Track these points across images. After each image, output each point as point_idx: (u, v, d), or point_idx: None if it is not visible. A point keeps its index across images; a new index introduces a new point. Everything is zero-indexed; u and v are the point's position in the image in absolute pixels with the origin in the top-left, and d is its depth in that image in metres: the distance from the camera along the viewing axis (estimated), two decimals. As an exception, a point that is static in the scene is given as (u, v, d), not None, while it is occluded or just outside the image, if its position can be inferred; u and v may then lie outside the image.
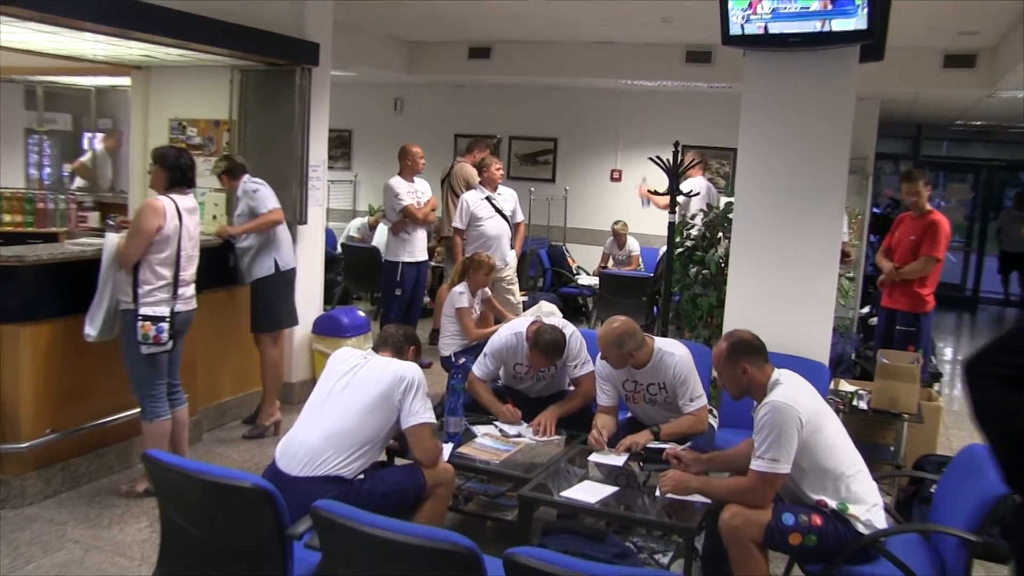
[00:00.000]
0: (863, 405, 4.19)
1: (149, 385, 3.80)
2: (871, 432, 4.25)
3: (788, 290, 4.04)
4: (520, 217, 6.42)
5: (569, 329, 3.96)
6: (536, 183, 9.13)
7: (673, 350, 3.55)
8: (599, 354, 3.61)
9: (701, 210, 5.53)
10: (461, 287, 5.07)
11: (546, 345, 3.80)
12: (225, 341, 4.97)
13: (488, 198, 6.24)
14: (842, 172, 3.90)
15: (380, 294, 7.29)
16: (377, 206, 9.84)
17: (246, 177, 4.78)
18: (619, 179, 9.13)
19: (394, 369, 3.04)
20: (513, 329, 4.04)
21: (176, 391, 3.97)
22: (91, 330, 3.70)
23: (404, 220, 6.16)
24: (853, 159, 4.85)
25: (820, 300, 3.98)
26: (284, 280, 4.88)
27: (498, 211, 6.24)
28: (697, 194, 6.36)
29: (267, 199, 4.70)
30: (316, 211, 5.56)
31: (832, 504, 2.76)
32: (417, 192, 6.29)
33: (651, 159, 4.97)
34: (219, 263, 4.77)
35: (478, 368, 4.04)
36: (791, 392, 2.82)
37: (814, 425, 2.77)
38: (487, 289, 5.33)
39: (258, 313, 4.86)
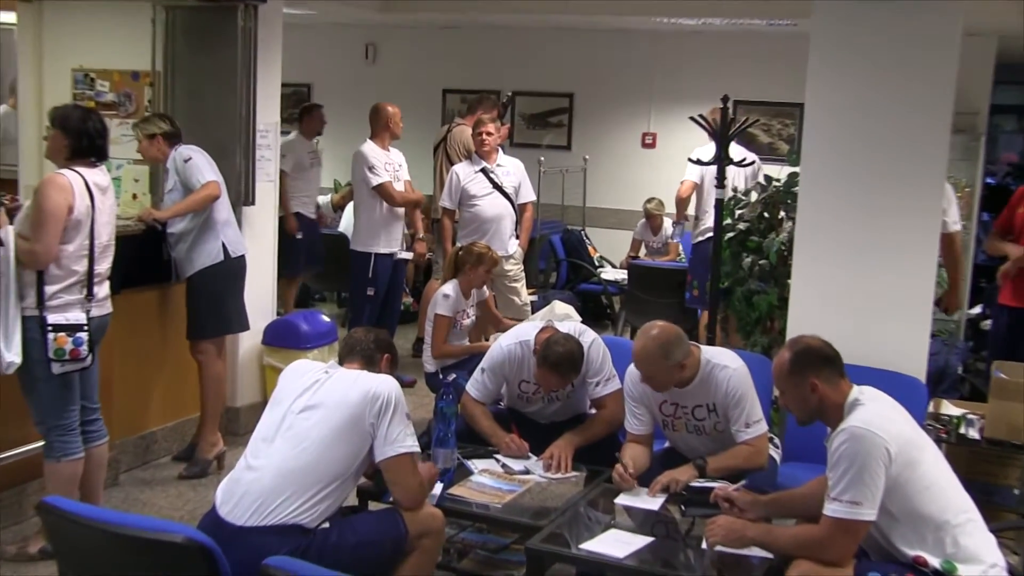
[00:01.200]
0: (974, 433, 4.17)
1: (59, 413, 3.74)
2: (986, 469, 4.24)
3: (871, 285, 4.05)
4: (528, 195, 6.54)
5: (588, 337, 4.01)
6: (547, 151, 9.14)
7: (726, 362, 3.58)
8: (628, 369, 3.66)
9: (758, 183, 5.52)
10: (449, 287, 5.14)
11: (558, 360, 3.82)
12: (150, 355, 4.97)
13: (485, 170, 6.31)
14: (943, 132, 3.92)
15: (348, 293, 7.34)
16: (345, 181, 9.90)
17: (179, 145, 4.82)
18: (653, 145, 9.14)
19: (365, 385, 3.07)
20: (518, 337, 4.08)
21: (94, 421, 3.95)
22: (13, 356, 3.53)
23: (372, 197, 6.21)
24: (959, 115, 4.86)
25: (914, 298, 4.00)
26: (233, 270, 4.89)
27: (497, 187, 6.31)
28: (753, 162, 6.37)
29: (202, 169, 4.71)
30: (266, 188, 5.59)
31: (934, 562, 2.77)
32: (394, 164, 6.36)
33: (694, 119, 4.98)
34: (142, 255, 4.75)
35: (474, 387, 4.07)
36: (875, 415, 2.84)
37: (907, 458, 2.78)
38: (485, 289, 5.39)
39: (199, 314, 4.86)
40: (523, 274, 6.52)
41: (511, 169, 6.40)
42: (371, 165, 6.21)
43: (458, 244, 6.10)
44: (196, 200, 4.69)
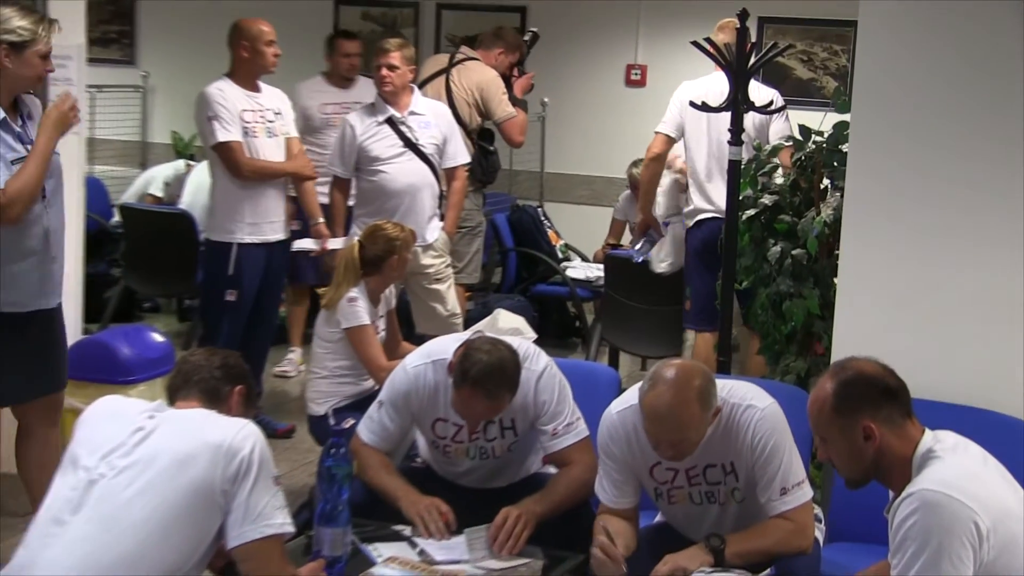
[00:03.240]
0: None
1: None
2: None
3: (951, 286, 4.07)
4: (459, 156, 6.62)
5: (538, 363, 4.06)
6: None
7: (750, 399, 3.63)
8: (606, 416, 3.73)
9: (791, 138, 5.57)
10: (355, 290, 5.22)
11: (483, 373, 3.81)
12: None
13: (392, 121, 6.36)
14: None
15: (198, 300, 7.36)
16: (189, 137, 9.89)
17: None
18: (641, 82, 9.21)
19: (213, 434, 3.08)
20: (429, 356, 4.12)
21: None
22: None
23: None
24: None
25: (1011, 305, 4.01)
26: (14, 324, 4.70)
27: (411, 145, 6.36)
28: (781, 108, 6.41)
29: None
30: (69, 144, 5.46)
31: None
32: (263, 111, 6.35)
33: (698, 45, 5.01)
34: None
35: (368, 428, 4.11)
36: (958, 474, 2.86)
37: (1006, 537, 2.80)
38: (392, 293, 5.55)
39: None
40: (450, 271, 6.56)
41: (432, 118, 6.47)
42: (213, 113, 6.16)
43: (353, 230, 6.20)
44: None
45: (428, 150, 6.38)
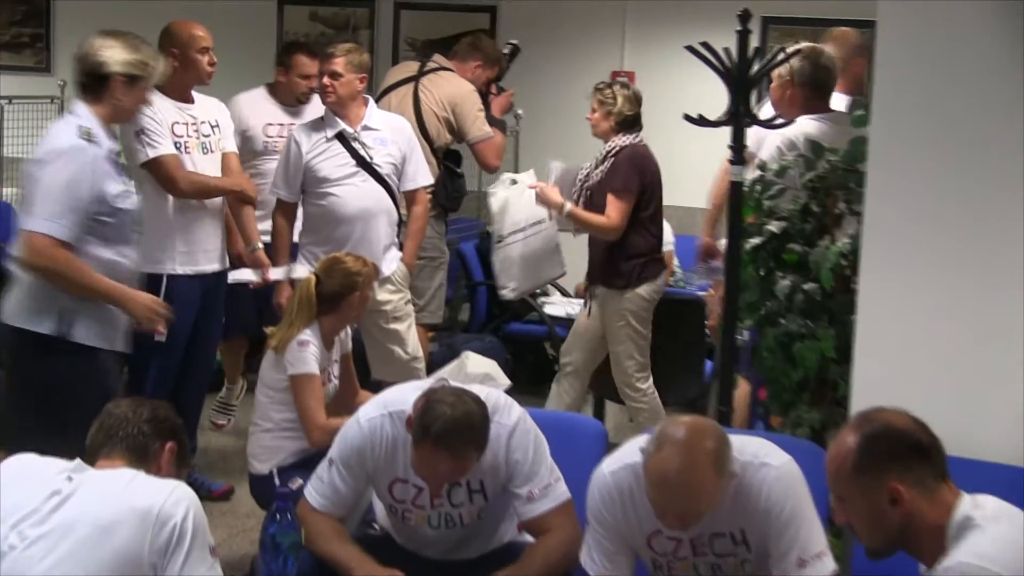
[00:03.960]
0: None
1: None
2: None
3: (989, 327, 4.06)
4: (421, 177, 6.67)
5: (510, 415, 4.08)
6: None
7: (764, 457, 3.66)
8: (596, 476, 3.75)
9: (800, 155, 5.54)
10: (308, 331, 5.27)
11: (444, 430, 3.80)
12: None
13: (343, 137, 6.41)
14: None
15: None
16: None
17: None
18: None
19: (140, 498, 3.09)
20: (385, 407, 4.13)
21: None
22: None
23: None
24: None
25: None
26: None
27: (365, 164, 6.42)
28: (787, 123, 6.45)
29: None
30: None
31: None
32: (196, 123, 6.34)
33: (693, 50, 5.02)
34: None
35: (317, 491, 4.12)
36: (1002, 548, 2.86)
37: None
38: (348, 335, 5.60)
39: None
40: (410, 308, 6.58)
41: (389, 134, 6.52)
42: (139, 127, 6.11)
43: (299, 262, 6.28)
44: None
45: (384, 170, 6.42)
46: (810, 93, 6.13)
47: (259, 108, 7.35)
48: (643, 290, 6.73)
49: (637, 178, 6.71)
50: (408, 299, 6.58)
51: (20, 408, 4.95)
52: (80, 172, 4.81)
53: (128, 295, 5.07)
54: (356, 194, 6.35)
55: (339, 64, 6.33)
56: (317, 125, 6.46)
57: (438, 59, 7.55)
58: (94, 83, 5.04)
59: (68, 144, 4.87)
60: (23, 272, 4.85)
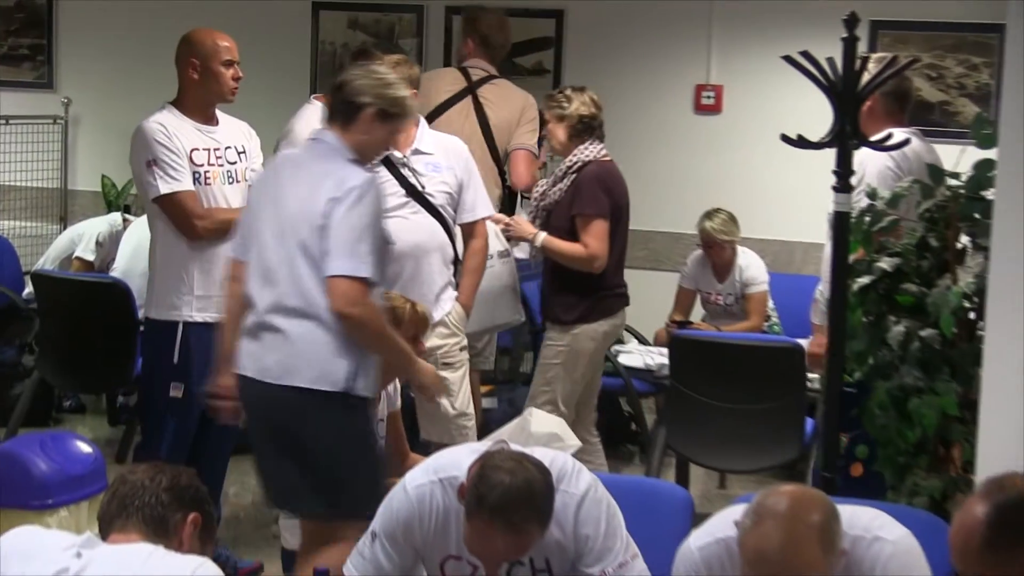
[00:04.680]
0: None
1: None
2: None
3: None
4: (480, 208, 6.67)
5: (579, 482, 4.08)
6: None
7: (876, 529, 3.64)
8: (683, 551, 3.74)
9: (918, 182, 5.59)
10: None
11: (501, 501, 3.81)
12: None
13: (390, 161, 6.37)
14: None
15: (135, 397, 7.50)
16: (124, 182, 9.93)
17: None
18: (716, 107, 9.30)
19: None
20: (436, 472, 4.14)
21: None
22: None
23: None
24: None
25: None
26: None
27: (415, 194, 6.39)
28: (904, 143, 6.45)
29: None
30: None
31: None
32: (220, 149, 6.38)
33: (791, 60, 5.01)
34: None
35: (357, 568, 4.14)
36: None
37: None
38: (396, 390, 5.59)
39: None
40: (465, 356, 6.56)
41: (444, 158, 6.50)
42: (153, 156, 6.17)
43: None
44: None
45: (438, 200, 6.40)
46: (891, 104, 6.21)
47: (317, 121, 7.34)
48: (593, 329, 6.88)
49: (607, 199, 6.83)
50: (464, 345, 6.56)
51: (303, 471, 5.05)
52: (378, 208, 5.10)
53: (415, 357, 5.33)
54: (406, 228, 6.24)
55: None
56: None
57: (478, 63, 7.76)
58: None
59: (365, 179, 5.07)
60: (314, 323, 4.95)
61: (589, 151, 6.87)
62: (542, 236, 6.85)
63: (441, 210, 6.40)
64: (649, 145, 9.36)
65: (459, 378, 6.49)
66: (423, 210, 6.36)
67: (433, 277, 6.38)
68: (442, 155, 6.49)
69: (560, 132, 6.89)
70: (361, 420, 5.06)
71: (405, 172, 6.36)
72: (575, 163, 6.84)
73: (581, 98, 6.89)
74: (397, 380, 5.56)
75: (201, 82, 6.30)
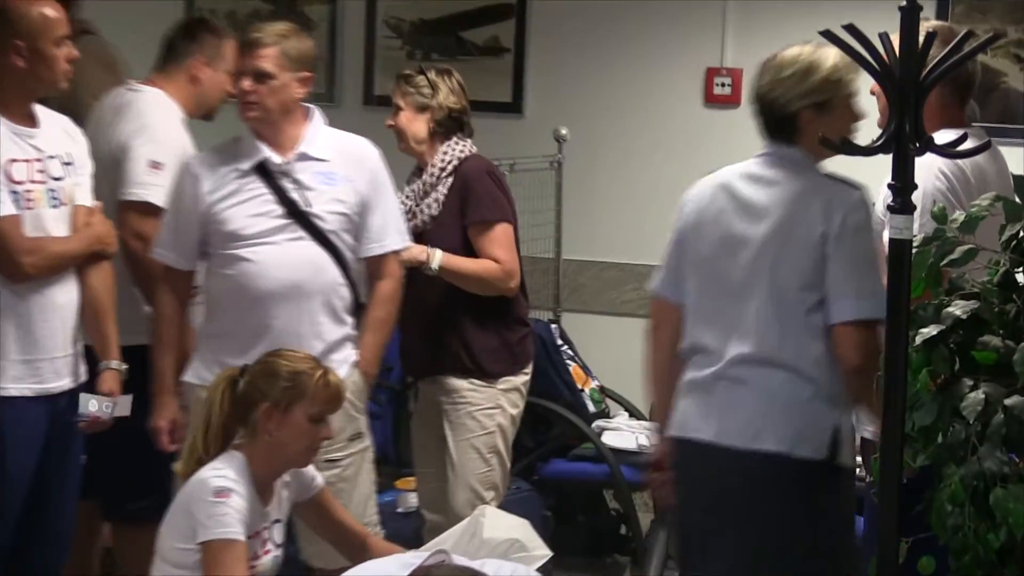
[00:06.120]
0: None
1: None
2: None
3: None
4: (390, 237, 6.18)
5: None
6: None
7: None
8: None
9: (997, 199, 5.23)
10: (227, 466, 5.04)
11: None
12: None
13: (265, 168, 5.92)
14: None
15: None
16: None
17: None
18: (731, 98, 9.04)
19: None
20: None
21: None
22: None
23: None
24: None
25: None
26: None
27: (296, 213, 5.90)
28: (982, 147, 5.68)
29: None
30: None
31: None
32: (43, 160, 5.83)
33: (828, 36, 4.43)
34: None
35: None
36: None
37: None
38: (313, 472, 5.40)
39: None
40: (362, 446, 5.98)
41: (341, 167, 5.93)
42: None
43: (194, 366, 5.84)
44: None
45: (329, 223, 5.75)
46: (949, 96, 5.73)
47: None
48: (520, 383, 6.53)
49: (505, 199, 6.53)
50: (359, 431, 5.85)
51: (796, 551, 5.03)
52: None
53: None
54: (281, 259, 5.68)
55: (268, 58, 5.73)
56: (229, 152, 5.86)
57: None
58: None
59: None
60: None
61: (461, 148, 6.47)
62: (439, 255, 6.31)
63: (333, 237, 5.75)
64: (646, 148, 8.94)
65: (351, 481, 5.87)
66: (307, 236, 5.71)
67: (318, 330, 5.71)
68: (340, 162, 5.86)
69: (419, 126, 6.46)
70: (848, 491, 5.17)
71: (285, 184, 5.70)
72: (448, 163, 6.43)
73: (449, 84, 6.53)
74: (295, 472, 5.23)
75: (28, 69, 5.69)
